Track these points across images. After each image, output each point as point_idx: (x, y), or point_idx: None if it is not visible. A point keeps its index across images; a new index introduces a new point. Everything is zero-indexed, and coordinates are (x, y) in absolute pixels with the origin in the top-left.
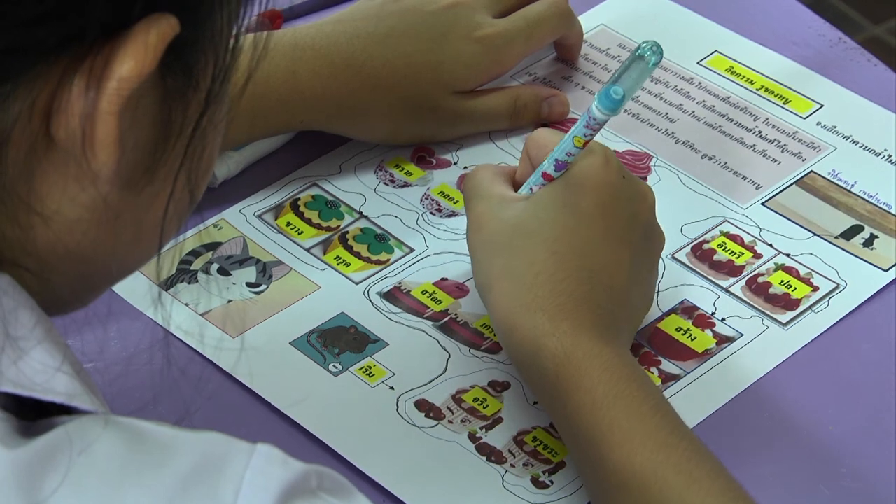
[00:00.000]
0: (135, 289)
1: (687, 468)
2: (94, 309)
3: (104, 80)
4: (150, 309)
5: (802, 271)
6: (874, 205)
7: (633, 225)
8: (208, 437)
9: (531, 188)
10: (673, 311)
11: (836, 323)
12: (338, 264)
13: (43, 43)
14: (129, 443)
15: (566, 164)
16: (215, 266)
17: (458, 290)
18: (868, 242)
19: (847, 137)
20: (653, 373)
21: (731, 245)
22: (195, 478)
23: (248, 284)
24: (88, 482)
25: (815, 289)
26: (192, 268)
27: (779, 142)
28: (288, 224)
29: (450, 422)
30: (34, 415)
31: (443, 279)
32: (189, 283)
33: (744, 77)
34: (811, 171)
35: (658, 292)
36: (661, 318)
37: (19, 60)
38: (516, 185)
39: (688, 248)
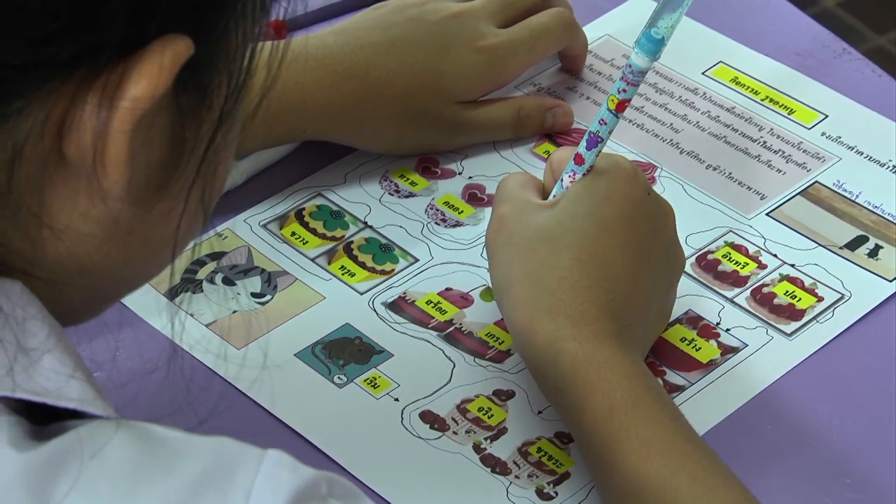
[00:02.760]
0: (146, 302)
1: (702, 476)
2: (103, 317)
3: (117, 100)
4: (160, 323)
5: (807, 282)
6: (879, 215)
7: (654, 242)
8: (219, 441)
9: (562, 179)
10: (677, 321)
11: (840, 333)
12: (342, 274)
13: (56, 60)
14: (140, 447)
15: (597, 138)
16: (220, 276)
17: (463, 300)
18: (873, 253)
19: (852, 148)
20: None
21: (735, 255)
22: (206, 482)
23: (253, 294)
24: (100, 486)
25: (820, 299)
26: (196, 277)
27: (783, 152)
28: (293, 234)
29: (454, 433)
30: (45, 418)
31: (447, 289)
32: (194, 292)
33: (748, 87)
34: (816, 182)
35: None
36: (665, 328)
37: (33, 77)
38: (545, 198)
39: (692, 259)
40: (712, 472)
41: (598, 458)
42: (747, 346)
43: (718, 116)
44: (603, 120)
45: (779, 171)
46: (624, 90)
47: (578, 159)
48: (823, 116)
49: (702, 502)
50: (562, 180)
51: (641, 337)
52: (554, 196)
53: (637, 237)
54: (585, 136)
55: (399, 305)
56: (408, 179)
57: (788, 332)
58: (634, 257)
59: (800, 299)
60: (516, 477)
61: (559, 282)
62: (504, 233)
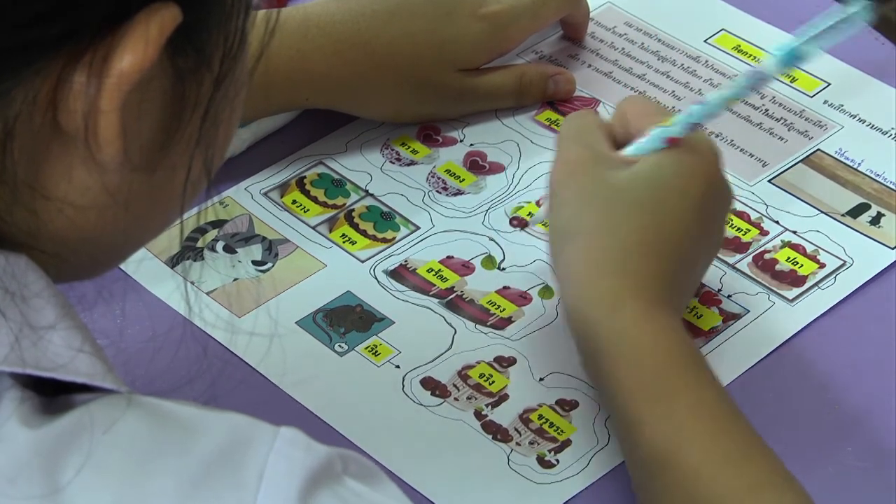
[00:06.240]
0: (149, 270)
1: (747, 442)
2: (108, 287)
3: (104, 76)
4: (164, 291)
5: (809, 248)
6: (881, 183)
7: (717, 223)
8: (231, 418)
9: (644, 153)
10: None
11: (842, 300)
12: (343, 242)
13: (39, 41)
14: (152, 423)
15: (698, 125)
16: (221, 244)
17: (464, 268)
18: (875, 220)
19: (854, 116)
20: None
21: (737, 222)
22: (219, 462)
23: (254, 262)
24: (111, 463)
25: (822, 266)
26: (197, 245)
27: (785, 120)
28: (294, 202)
29: (455, 399)
30: (53, 391)
31: (448, 257)
32: (195, 260)
33: (751, 55)
34: (818, 150)
35: None
36: None
37: (17, 59)
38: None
39: None
40: (756, 443)
41: (636, 415)
42: (749, 312)
43: (720, 84)
44: (714, 115)
45: (781, 138)
46: (745, 95)
47: (673, 141)
48: (826, 84)
49: (746, 465)
50: (640, 142)
51: (682, 309)
52: (631, 153)
53: (708, 217)
54: (687, 126)
55: (400, 273)
56: (409, 147)
57: (790, 298)
58: (700, 235)
59: (802, 266)
60: (517, 444)
61: (635, 243)
62: (577, 178)
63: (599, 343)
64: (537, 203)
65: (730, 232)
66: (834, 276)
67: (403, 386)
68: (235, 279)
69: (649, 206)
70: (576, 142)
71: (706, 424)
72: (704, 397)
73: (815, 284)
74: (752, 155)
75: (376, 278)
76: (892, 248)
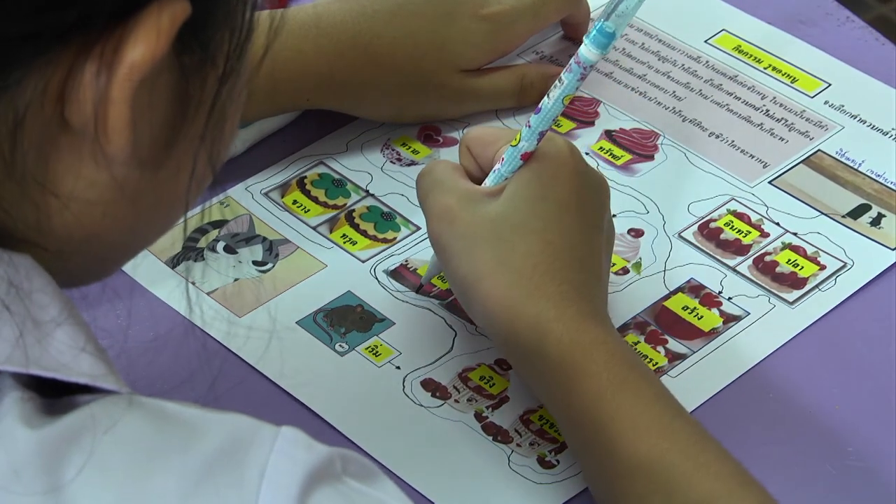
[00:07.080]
0: (151, 271)
1: (693, 452)
2: (113, 289)
3: (115, 66)
4: (164, 291)
5: (809, 250)
6: (881, 184)
7: (601, 213)
8: (233, 419)
9: (505, 177)
10: (680, 289)
11: (842, 302)
12: (344, 242)
13: (52, 29)
14: (154, 424)
15: (546, 133)
16: (221, 244)
17: None
18: (875, 221)
19: (854, 116)
20: (659, 352)
21: (738, 224)
22: (220, 461)
23: (255, 263)
24: (113, 463)
25: (822, 267)
26: (198, 245)
27: (786, 120)
28: (294, 202)
29: (456, 401)
30: (55, 392)
31: None
32: (195, 260)
33: (751, 56)
34: (819, 150)
35: (664, 271)
36: (667, 297)
37: (29, 47)
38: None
39: (694, 227)
40: (703, 448)
41: (588, 440)
42: (749, 314)
43: (721, 84)
44: (558, 115)
45: (781, 139)
46: (577, 87)
47: (527, 156)
48: (826, 85)
49: (695, 478)
50: (505, 179)
51: (605, 303)
52: (493, 182)
53: (589, 211)
54: (535, 136)
55: (401, 273)
56: (410, 147)
57: (790, 300)
58: (591, 233)
59: (802, 268)
60: (518, 445)
61: (534, 267)
62: (458, 225)
63: (534, 375)
64: None
65: (730, 234)
66: (834, 277)
67: (404, 387)
68: (236, 279)
69: (530, 227)
70: (438, 193)
71: (656, 438)
72: (648, 409)
73: (816, 286)
74: (752, 156)
75: (377, 278)
76: (893, 250)
